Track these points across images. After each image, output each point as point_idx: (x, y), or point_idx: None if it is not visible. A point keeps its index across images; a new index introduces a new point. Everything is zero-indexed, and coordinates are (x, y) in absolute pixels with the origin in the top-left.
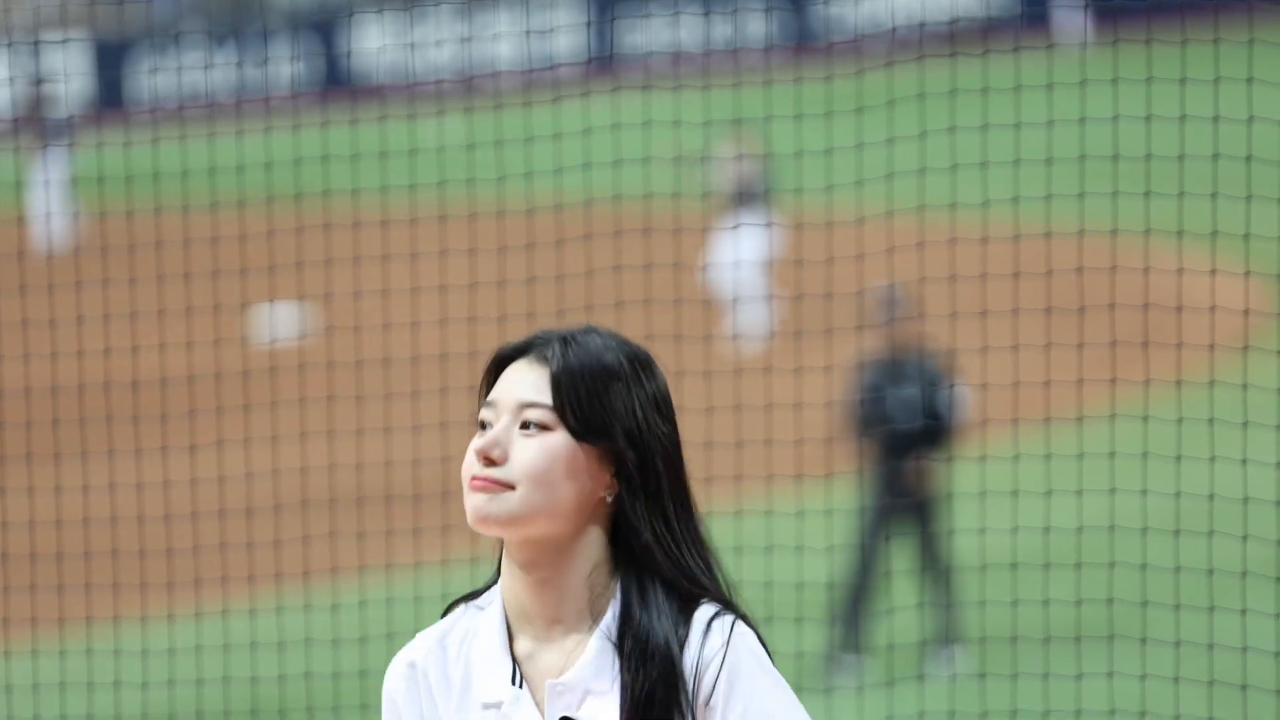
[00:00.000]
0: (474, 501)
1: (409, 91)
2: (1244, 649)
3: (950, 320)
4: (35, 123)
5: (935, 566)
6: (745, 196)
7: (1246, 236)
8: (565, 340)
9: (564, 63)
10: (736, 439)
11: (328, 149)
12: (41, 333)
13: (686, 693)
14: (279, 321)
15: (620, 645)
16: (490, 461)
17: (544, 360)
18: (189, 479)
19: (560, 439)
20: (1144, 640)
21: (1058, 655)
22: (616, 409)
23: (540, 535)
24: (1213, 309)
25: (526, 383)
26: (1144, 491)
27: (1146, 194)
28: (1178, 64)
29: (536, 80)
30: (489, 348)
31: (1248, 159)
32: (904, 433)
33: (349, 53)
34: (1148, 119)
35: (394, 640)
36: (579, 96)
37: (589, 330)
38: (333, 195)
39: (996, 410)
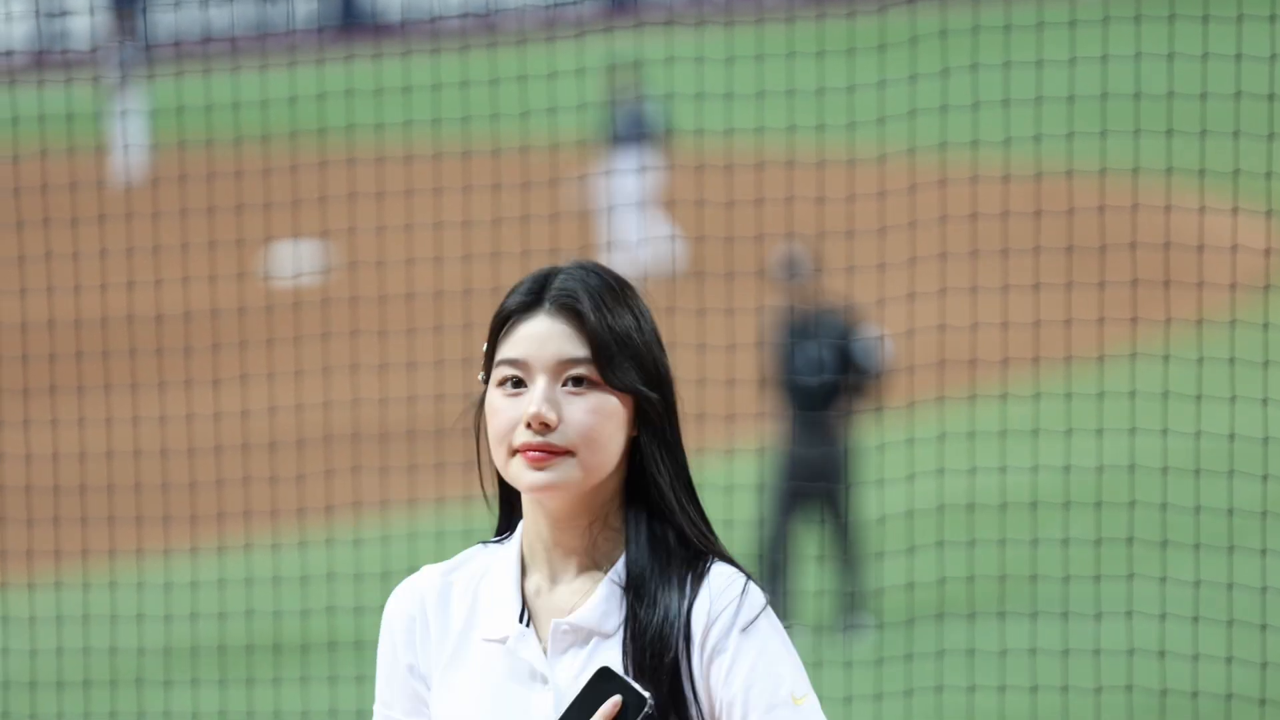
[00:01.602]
0: (532, 477)
1: (432, 26)
2: (1263, 589)
3: (971, 258)
4: (115, 52)
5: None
6: (630, 137)
7: (1269, 175)
8: (585, 286)
9: None
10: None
11: (351, 84)
12: (65, 266)
13: (690, 641)
14: (302, 256)
15: (628, 590)
16: (545, 427)
17: (571, 313)
18: (213, 413)
19: (605, 394)
20: (1164, 580)
21: (1077, 594)
22: (640, 353)
23: (590, 494)
24: (1234, 248)
25: (562, 337)
26: (1164, 431)
27: (1169, 132)
28: (1200, 1)
29: (560, 16)
30: (512, 283)
31: (1270, 97)
32: (807, 390)
33: None
34: (1170, 57)
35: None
36: (602, 33)
37: (587, 270)
38: (356, 130)
39: (1017, 349)
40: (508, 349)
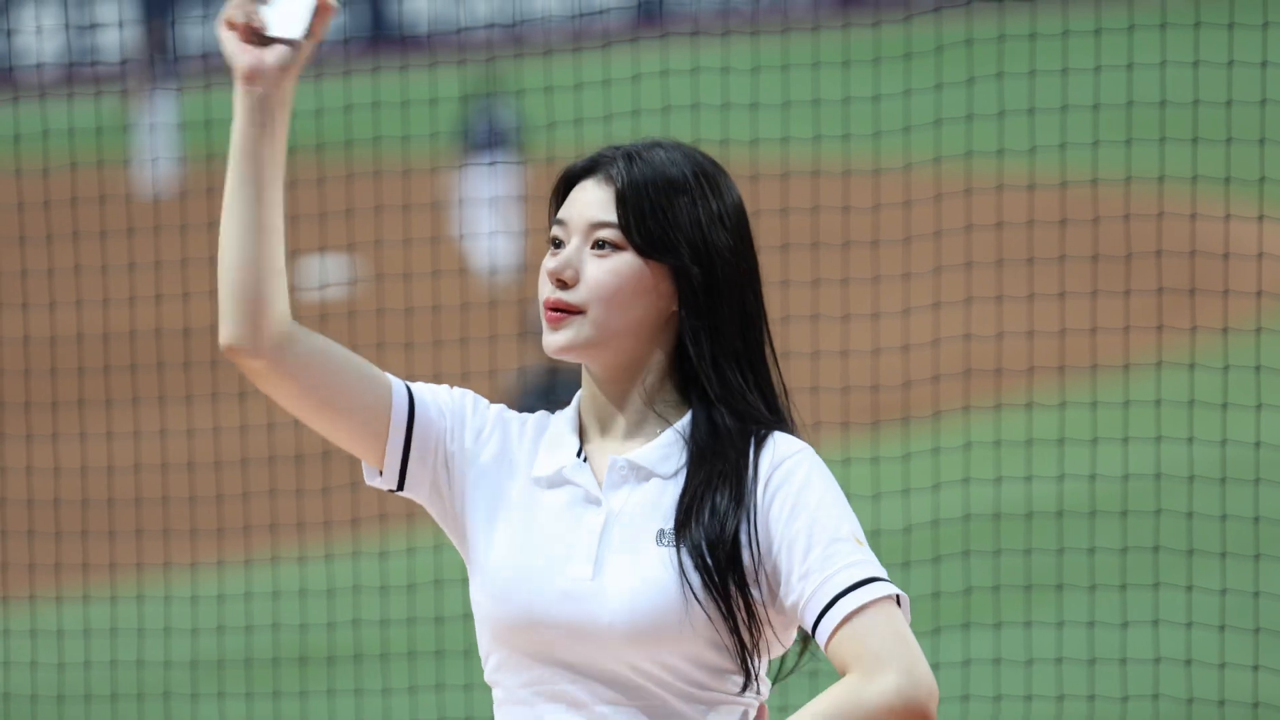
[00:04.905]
0: (547, 338)
1: (459, 39)
2: None
3: (996, 267)
4: (146, 65)
5: None
6: (492, 137)
7: None
8: (630, 156)
9: (613, 6)
10: None
11: (378, 96)
12: (94, 279)
13: (755, 484)
14: (328, 269)
15: (690, 442)
16: (562, 283)
17: (610, 179)
18: (239, 425)
19: (629, 258)
20: (1190, 588)
21: (1103, 603)
22: (681, 223)
23: (614, 358)
24: (1260, 256)
25: (595, 202)
26: (1190, 439)
27: (1194, 140)
28: (1226, 9)
29: (585, 28)
30: (537, 294)
31: None
32: None
33: (399, 0)
34: (1195, 64)
35: (441, 587)
36: (628, 43)
37: (654, 144)
38: (383, 142)
39: (1043, 358)
40: (559, 211)
